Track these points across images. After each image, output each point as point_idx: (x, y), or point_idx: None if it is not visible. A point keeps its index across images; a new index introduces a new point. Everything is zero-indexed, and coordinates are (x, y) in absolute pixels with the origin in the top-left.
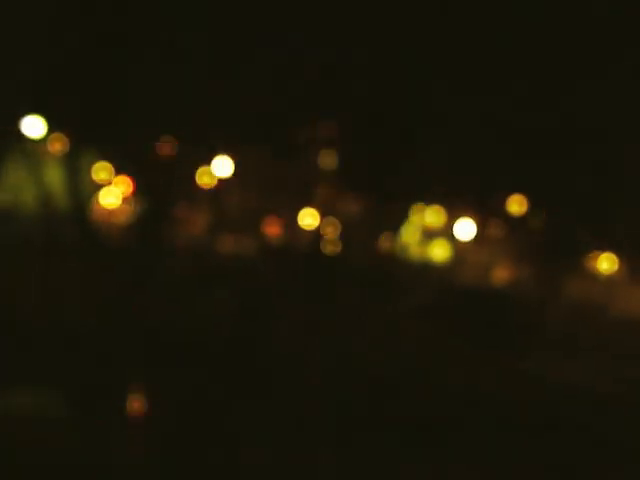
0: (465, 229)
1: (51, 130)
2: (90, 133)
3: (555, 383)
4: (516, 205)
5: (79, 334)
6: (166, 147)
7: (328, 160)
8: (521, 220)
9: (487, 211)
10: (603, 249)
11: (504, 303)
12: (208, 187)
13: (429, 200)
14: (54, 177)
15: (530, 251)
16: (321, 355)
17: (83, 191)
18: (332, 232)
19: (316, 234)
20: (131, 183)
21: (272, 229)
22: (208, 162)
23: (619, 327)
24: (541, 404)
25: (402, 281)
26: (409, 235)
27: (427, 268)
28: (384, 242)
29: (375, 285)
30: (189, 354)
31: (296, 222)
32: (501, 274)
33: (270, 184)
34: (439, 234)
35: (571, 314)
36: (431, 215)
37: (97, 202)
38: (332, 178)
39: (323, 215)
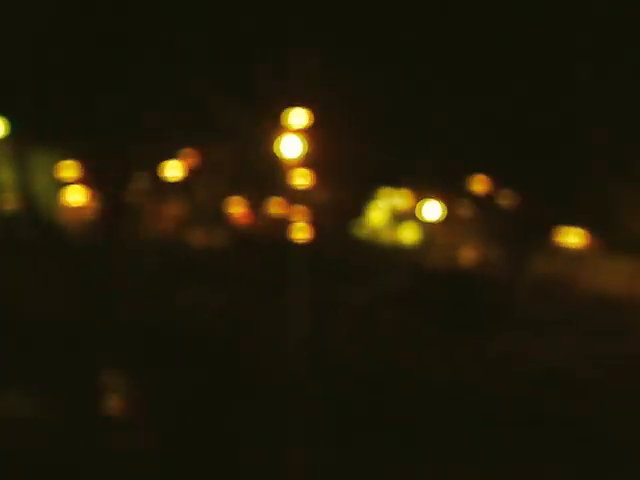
0: (432, 211)
1: (10, 130)
2: (47, 130)
3: (525, 362)
4: (480, 185)
5: (41, 332)
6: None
7: (295, 148)
8: (487, 200)
9: (453, 192)
10: (571, 224)
11: (473, 284)
12: (176, 180)
13: (396, 183)
14: (7, 177)
15: (498, 230)
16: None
17: (36, 190)
18: (301, 219)
19: (284, 222)
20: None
21: (242, 219)
22: (174, 156)
23: (589, 303)
24: (512, 385)
25: (372, 266)
26: (378, 219)
27: (397, 251)
28: (354, 227)
29: (345, 271)
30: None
31: (265, 211)
32: (469, 255)
33: (238, 175)
34: (408, 217)
35: (540, 292)
36: (399, 198)
37: (63, 200)
38: (300, 166)
39: (292, 203)
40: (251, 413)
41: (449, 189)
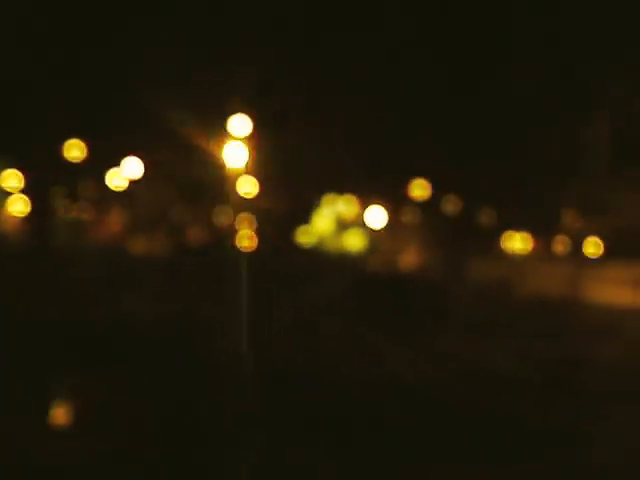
0: (376, 217)
1: None
2: None
3: (464, 366)
4: (419, 189)
5: None
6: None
7: (240, 157)
8: (429, 205)
9: (397, 198)
10: (516, 229)
11: (413, 288)
12: (119, 189)
13: (341, 190)
14: None
15: (439, 235)
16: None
17: None
18: (247, 228)
19: (229, 231)
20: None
21: (187, 227)
22: (118, 164)
23: (530, 307)
24: (451, 387)
25: (316, 273)
26: (324, 226)
27: (342, 258)
28: (300, 235)
29: (291, 278)
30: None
31: (211, 220)
32: (410, 259)
33: (184, 183)
34: (353, 224)
35: (480, 296)
36: (344, 205)
37: (6, 210)
38: (245, 174)
39: (237, 211)
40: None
41: (390, 195)
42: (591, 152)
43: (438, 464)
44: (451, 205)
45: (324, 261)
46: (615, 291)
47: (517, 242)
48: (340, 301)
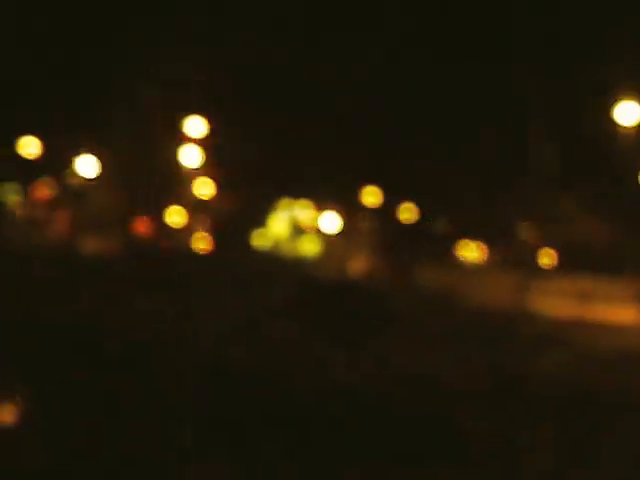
0: (330, 223)
1: None
2: None
3: (406, 373)
4: (372, 196)
5: None
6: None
7: (195, 157)
8: (381, 211)
9: (349, 204)
10: (470, 237)
11: (359, 295)
12: (73, 186)
13: (296, 194)
14: None
15: (389, 242)
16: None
17: None
18: (202, 229)
19: (184, 231)
20: None
21: (140, 228)
22: (73, 162)
23: (475, 315)
24: (390, 393)
25: (267, 276)
26: (279, 230)
27: (294, 263)
28: (255, 238)
29: (241, 280)
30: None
31: (164, 220)
32: (360, 266)
33: (137, 183)
34: (309, 229)
35: (427, 303)
36: (300, 210)
37: None
38: (201, 175)
39: (192, 212)
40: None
41: (343, 200)
42: (541, 166)
43: (375, 464)
44: (403, 212)
45: (275, 265)
46: (561, 303)
47: (470, 250)
48: (288, 305)
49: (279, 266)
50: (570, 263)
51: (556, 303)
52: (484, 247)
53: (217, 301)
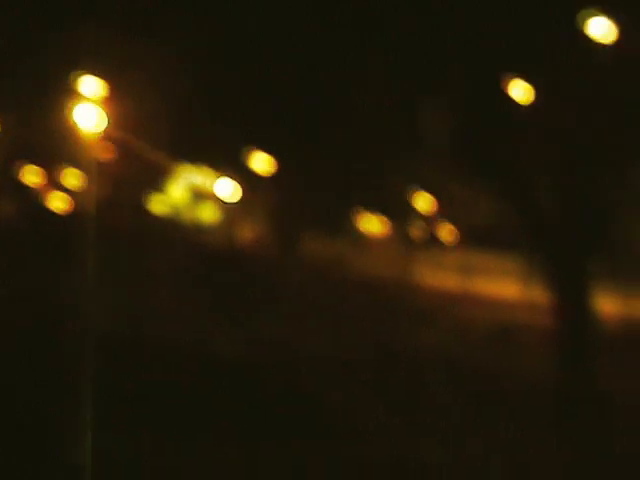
0: (226, 189)
1: None
2: None
3: (285, 345)
4: (264, 163)
5: None
6: None
7: (90, 118)
8: (274, 180)
9: (242, 171)
10: (365, 210)
11: (246, 264)
12: None
13: (196, 160)
14: None
15: (280, 210)
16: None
17: None
18: (97, 192)
19: (80, 195)
20: None
21: (36, 190)
22: None
23: (361, 287)
24: (275, 365)
25: (159, 243)
26: (178, 196)
27: (189, 230)
28: (154, 203)
29: (135, 246)
30: None
31: (60, 183)
32: (249, 234)
33: (31, 144)
34: (207, 195)
35: (313, 274)
36: (199, 176)
37: None
38: (97, 137)
39: (88, 176)
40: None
41: (237, 168)
42: (432, 138)
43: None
44: (294, 181)
45: (169, 232)
46: (447, 276)
47: (367, 223)
48: (175, 274)
49: (170, 233)
50: (457, 237)
51: (442, 277)
52: (379, 219)
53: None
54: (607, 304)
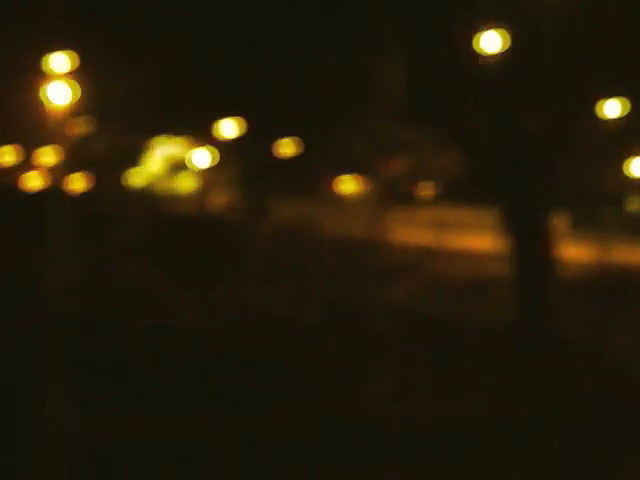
0: (201, 158)
1: None
2: None
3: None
4: (232, 128)
5: None
6: None
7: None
8: (242, 144)
9: (211, 137)
10: (341, 171)
11: (213, 229)
12: None
13: (168, 131)
14: None
15: (248, 175)
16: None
17: None
18: (74, 169)
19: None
20: None
21: (11, 169)
22: None
23: (329, 248)
24: (244, 330)
25: (122, 215)
26: (155, 168)
27: (160, 200)
28: (131, 177)
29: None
30: None
31: (37, 161)
32: (219, 201)
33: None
34: (183, 165)
35: (281, 236)
36: (174, 147)
37: None
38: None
39: (64, 152)
40: None
41: (205, 134)
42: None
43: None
44: (263, 145)
45: (138, 202)
46: (419, 232)
47: (337, 184)
48: (141, 244)
49: (141, 203)
50: (429, 193)
51: (414, 233)
52: (351, 179)
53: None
54: (569, 250)
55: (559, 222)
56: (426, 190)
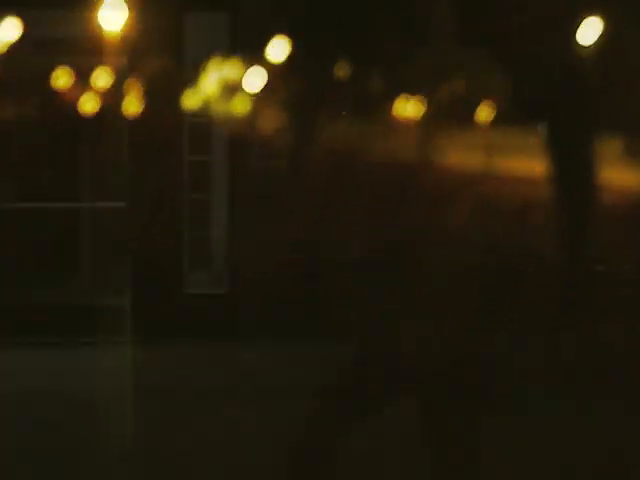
0: (255, 80)
1: None
2: None
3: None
4: (285, 53)
5: None
6: None
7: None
8: (297, 68)
9: (266, 61)
10: (393, 95)
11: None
12: None
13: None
14: None
15: (304, 98)
16: None
17: None
18: (133, 91)
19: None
20: None
21: (67, 91)
22: None
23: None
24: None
25: None
26: (210, 90)
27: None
28: (184, 98)
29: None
30: None
31: (94, 83)
32: (272, 125)
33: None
34: (237, 88)
35: (336, 162)
36: (229, 69)
37: None
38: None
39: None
40: None
41: (259, 57)
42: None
43: None
44: (316, 68)
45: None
46: (469, 156)
47: (390, 108)
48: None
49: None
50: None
51: (465, 157)
52: (404, 103)
53: None
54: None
55: (612, 147)
56: (481, 113)
